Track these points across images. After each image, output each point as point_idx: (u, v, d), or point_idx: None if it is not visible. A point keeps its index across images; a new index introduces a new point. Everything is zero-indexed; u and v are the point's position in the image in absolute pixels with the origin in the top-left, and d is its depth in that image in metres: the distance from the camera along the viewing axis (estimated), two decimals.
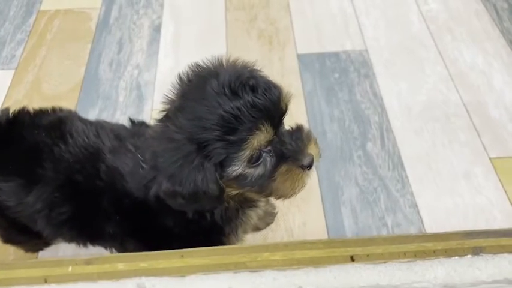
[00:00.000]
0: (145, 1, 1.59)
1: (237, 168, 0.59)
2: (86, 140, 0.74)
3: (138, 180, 0.67)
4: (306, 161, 0.63)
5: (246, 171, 0.60)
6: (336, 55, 1.39)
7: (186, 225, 0.69)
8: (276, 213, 1.04)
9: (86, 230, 0.76)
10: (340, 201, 1.07)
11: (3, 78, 1.35)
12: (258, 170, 0.61)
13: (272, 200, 1.01)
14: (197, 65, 0.65)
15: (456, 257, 0.45)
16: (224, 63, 0.64)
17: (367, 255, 0.45)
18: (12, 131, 0.76)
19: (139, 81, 1.34)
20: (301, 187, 0.64)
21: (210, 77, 0.61)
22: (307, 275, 0.45)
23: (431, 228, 1.02)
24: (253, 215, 0.76)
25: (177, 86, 0.64)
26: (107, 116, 1.24)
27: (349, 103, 1.27)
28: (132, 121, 0.81)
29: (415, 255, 0.45)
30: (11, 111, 0.78)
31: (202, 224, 0.69)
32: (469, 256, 0.45)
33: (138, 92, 1.31)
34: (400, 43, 1.42)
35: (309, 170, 0.64)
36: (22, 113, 0.79)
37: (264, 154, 0.61)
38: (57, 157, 0.72)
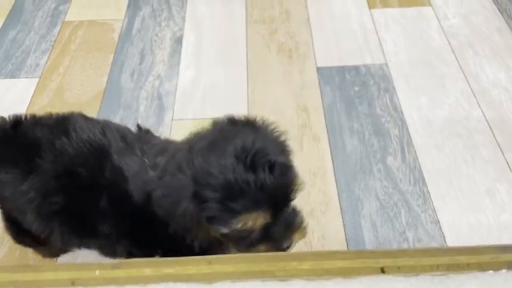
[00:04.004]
0: (168, 13, 1.61)
1: (224, 230, 0.61)
2: (91, 136, 0.73)
3: (141, 185, 0.68)
4: (285, 245, 0.64)
5: (232, 234, 0.62)
6: (355, 69, 1.39)
7: (173, 236, 0.69)
8: None
9: (79, 225, 0.75)
10: (360, 215, 1.06)
11: (28, 86, 1.38)
12: (243, 239, 0.63)
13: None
14: (233, 118, 0.67)
15: (490, 271, 0.44)
16: (259, 125, 0.66)
17: (398, 267, 0.44)
18: (16, 131, 0.77)
19: (160, 91, 1.35)
20: None
21: (238, 138, 0.62)
22: (336, 285, 0.44)
23: (453, 244, 1.00)
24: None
25: (211, 127, 0.67)
26: (128, 125, 1.25)
27: (369, 116, 1.26)
28: (138, 126, 0.82)
29: (448, 269, 0.44)
30: (23, 116, 0.80)
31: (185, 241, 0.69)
32: (504, 270, 0.44)
33: (159, 102, 1.32)
34: (420, 58, 1.42)
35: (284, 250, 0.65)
36: (29, 118, 0.80)
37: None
38: (57, 149, 0.72)
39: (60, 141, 0.73)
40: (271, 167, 0.60)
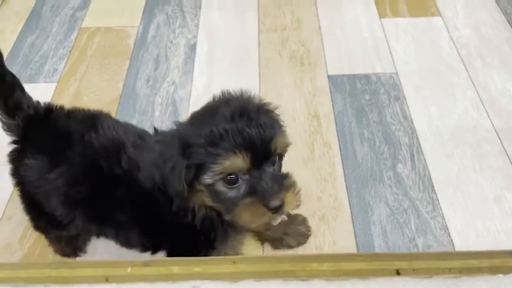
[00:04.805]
0: (182, 21, 1.65)
1: (208, 178, 0.66)
2: (114, 134, 0.82)
3: (148, 171, 0.74)
4: (272, 204, 0.66)
5: (220, 188, 0.67)
6: (366, 77, 1.42)
7: (175, 219, 0.75)
8: (309, 235, 1.04)
9: (99, 214, 0.82)
10: (370, 221, 1.08)
11: (46, 91, 1.42)
12: (231, 193, 0.68)
13: (307, 221, 1.04)
14: (228, 92, 0.75)
15: (500, 275, 0.46)
16: (246, 95, 0.74)
17: (413, 270, 0.47)
18: (48, 120, 0.85)
19: (174, 97, 1.39)
20: (262, 224, 0.68)
21: (226, 103, 0.71)
22: (354, 286, 0.47)
23: (462, 250, 1.02)
24: (241, 239, 0.80)
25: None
26: None
27: (379, 124, 1.29)
28: (155, 129, 0.87)
29: (460, 272, 0.47)
30: (54, 105, 0.88)
31: (186, 222, 0.75)
32: None
33: (174, 108, 1.35)
34: (430, 67, 1.44)
35: (275, 213, 0.67)
36: (59, 108, 0.88)
37: (241, 181, 0.67)
38: (86, 142, 0.80)
39: (89, 135, 0.81)
40: (250, 118, 0.67)
